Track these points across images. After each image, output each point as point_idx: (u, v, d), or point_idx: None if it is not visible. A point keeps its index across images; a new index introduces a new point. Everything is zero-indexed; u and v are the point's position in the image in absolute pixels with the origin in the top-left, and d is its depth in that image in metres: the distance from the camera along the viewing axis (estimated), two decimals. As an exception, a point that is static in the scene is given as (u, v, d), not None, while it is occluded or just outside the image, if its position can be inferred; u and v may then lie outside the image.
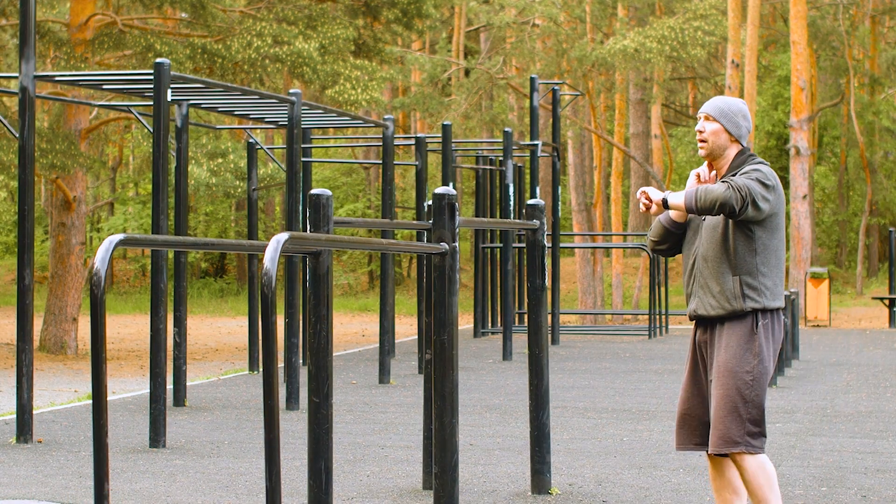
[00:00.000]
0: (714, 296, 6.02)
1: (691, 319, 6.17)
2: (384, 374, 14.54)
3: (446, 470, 6.16)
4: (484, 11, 36.66)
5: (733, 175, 6.04)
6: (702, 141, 6.12)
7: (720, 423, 5.94)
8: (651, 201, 6.14)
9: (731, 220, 5.99)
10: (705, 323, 6.10)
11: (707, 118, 6.11)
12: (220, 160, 22.79)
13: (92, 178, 38.84)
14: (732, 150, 6.12)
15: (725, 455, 6.03)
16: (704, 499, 7.70)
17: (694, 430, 6.12)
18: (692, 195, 5.97)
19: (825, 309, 27.32)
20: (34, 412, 10.97)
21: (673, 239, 6.24)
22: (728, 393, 5.94)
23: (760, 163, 6.09)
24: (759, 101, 42.14)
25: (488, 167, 23.54)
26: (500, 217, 20.94)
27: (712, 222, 6.06)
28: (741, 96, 33.41)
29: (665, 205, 6.09)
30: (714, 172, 6.17)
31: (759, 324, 6.02)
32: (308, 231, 5.41)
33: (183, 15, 25.84)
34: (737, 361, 5.96)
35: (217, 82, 11.79)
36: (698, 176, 6.19)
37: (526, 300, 22.12)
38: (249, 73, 21.64)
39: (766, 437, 5.99)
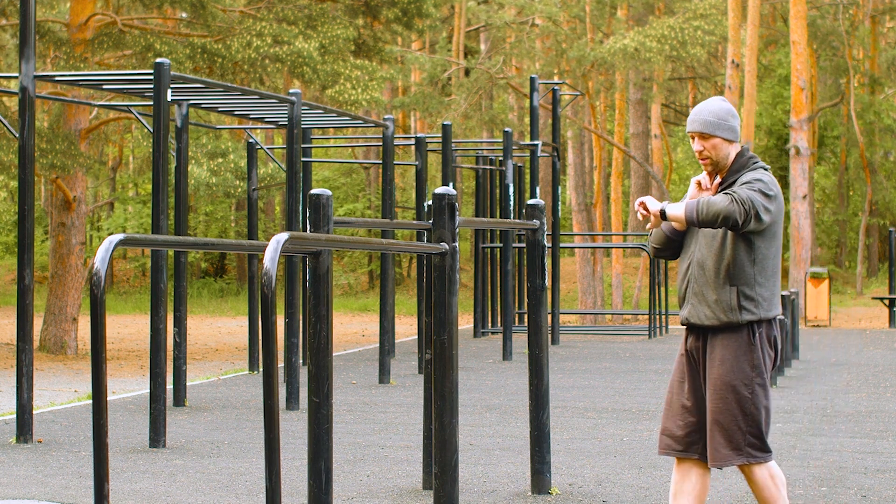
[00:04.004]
0: (709, 305, 5.84)
1: (683, 325, 6.02)
2: (384, 374, 14.54)
3: (446, 470, 6.16)
4: (483, 11, 36.67)
5: (735, 179, 5.89)
6: (704, 160, 5.93)
7: (720, 436, 5.81)
8: (649, 212, 5.93)
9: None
10: (698, 331, 5.94)
11: (702, 137, 5.90)
12: (220, 160, 22.79)
13: (92, 178, 38.85)
14: (733, 152, 5.94)
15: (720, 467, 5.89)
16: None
17: (681, 437, 5.96)
18: (693, 208, 5.76)
19: (825, 309, 27.32)
20: (34, 412, 10.97)
21: (675, 245, 6.05)
22: (728, 407, 5.80)
23: (762, 168, 5.91)
24: (759, 97, 42.13)
25: (488, 167, 23.55)
26: (500, 217, 20.94)
27: (710, 230, 5.87)
28: (741, 96, 33.42)
29: (663, 216, 5.90)
30: (717, 179, 5.97)
31: (756, 335, 5.85)
32: (308, 231, 5.41)
33: (183, 15, 25.84)
34: (734, 375, 5.81)
35: (217, 82, 11.79)
36: (699, 184, 6.01)
37: (526, 300, 22.12)
38: (249, 73, 21.64)
39: (768, 448, 5.86)
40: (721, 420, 5.81)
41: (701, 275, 5.89)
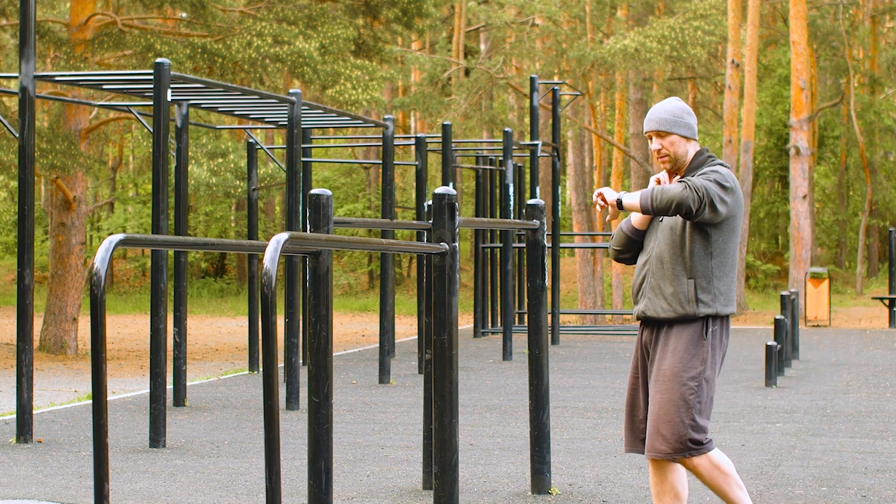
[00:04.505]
0: (666, 298, 5.86)
1: (638, 320, 6.03)
2: (384, 374, 14.54)
3: (446, 470, 6.16)
4: (483, 11, 36.66)
5: (692, 175, 5.92)
6: (663, 157, 5.97)
7: (662, 428, 5.80)
8: (606, 202, 5.95)
9: (688, 222, 5.84)
10: (652, 324, 5.96)
11: (659, 135, 5.96)
12: (220, 160, 22.80)
13: (92, 178, 38.85)
14: (691, 150, 6.00)
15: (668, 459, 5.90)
16: (704, 498, 7.71)
17: (641, 434, 6.00)
18: (648, 195, 5.80)
19: (825, 309, 27.33)
20: (34, 412, 10.97)
21: (636, 247, 6.07)
22: (671, 398, 5.79)
23: (719, 164, 5.95)
24: (759, 97, 42.12)
25: (488, 167, 23.54)
26: (500, 217, 20.94)
27: (669, 223, 5.91)
28: (741, 96, 33.42)
29: (620, 205, 5.91)
30: (676, 178, 6.02)
31: (710, 330, 5.87)
32: (308, 231, 5.41)
33: (183, 15, 25.84)
34: (682, 366, 5.82)
35: (217, 82, 11.79)
36: (658, 181, 6.07)
37: (526, 300, 22.12)
38: (249, 73, 21.64)
39: (706, 441, 5.83)
40: (663, 411, 5.82)
41: (659, 268, 5.92)
